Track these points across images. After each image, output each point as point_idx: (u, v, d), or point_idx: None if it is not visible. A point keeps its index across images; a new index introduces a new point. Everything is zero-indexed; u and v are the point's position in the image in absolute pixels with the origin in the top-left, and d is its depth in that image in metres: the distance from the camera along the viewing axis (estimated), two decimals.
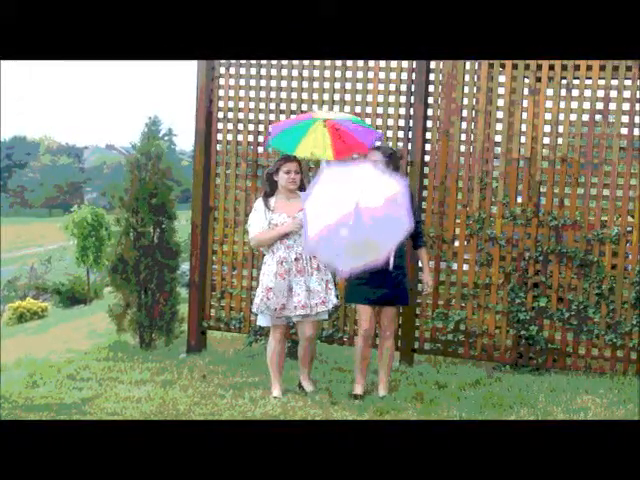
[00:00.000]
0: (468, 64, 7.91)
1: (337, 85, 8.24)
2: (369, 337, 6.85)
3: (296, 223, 6.66)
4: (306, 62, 8.29)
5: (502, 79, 7.87)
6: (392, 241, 6.02)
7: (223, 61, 8.51)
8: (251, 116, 8.52)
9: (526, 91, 7.82)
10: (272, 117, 8.44)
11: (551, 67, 7.67)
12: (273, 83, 8.43)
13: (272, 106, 8.45)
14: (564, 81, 7.69)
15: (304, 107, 8.33)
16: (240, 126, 8.56)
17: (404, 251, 6.86)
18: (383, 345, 6.95)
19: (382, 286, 6.67)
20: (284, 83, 8.40)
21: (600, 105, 7.61)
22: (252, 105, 8.52)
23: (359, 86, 8.18)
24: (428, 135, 8.04)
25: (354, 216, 5.66)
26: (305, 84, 8.34)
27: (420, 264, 7.46)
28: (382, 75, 8.11)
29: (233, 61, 8.49)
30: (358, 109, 8.18)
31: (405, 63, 8.03)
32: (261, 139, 8.50)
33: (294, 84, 8.37)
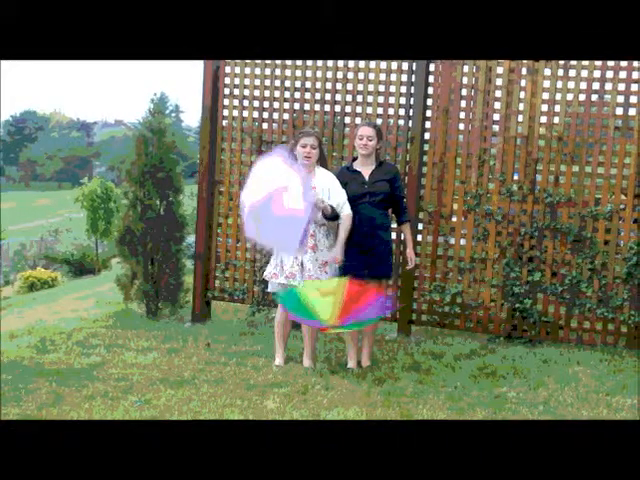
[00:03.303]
0: None
1: (340, 63, 8.21)
2: None
3: None
4: None
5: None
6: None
7: None
8: (256, 93, 8.51)
9: (524, 71, 7.80)
10: (277, 94, 8.42)
11: None
12: (278, 60, 8.40)
13: (277, 83, 8.43)
14: (561, 62, 7.66)
15: (307, 84, 8.32)
16: (245, 102, 8.55)
17: (390, 227, 6.95)
18: None
19: (367, 261, 6.70)
20: (288, 61, 8.37)
21: (596, 85, 7.59)
22: (257, 82, 8.50)
23: (362, 64, 8.16)
24: (428, 113, 8.04)
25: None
26: (309, 62, 8.31)
27: (402, 238, 7.53)
28: None
29: None
30: (360, 87, 8.16)
31: None
32: (265, 115, 8.50)
33: (298, 61, 8.34)
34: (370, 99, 8.14)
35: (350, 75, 8.19)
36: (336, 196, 6.65)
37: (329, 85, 8.25)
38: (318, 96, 8.29)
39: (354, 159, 6.94)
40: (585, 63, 7.58)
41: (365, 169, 6.80)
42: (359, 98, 8.17)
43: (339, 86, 8.22)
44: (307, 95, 8.33)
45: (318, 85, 8.29)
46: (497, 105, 7.88)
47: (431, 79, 8.00)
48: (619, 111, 7.56)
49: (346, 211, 6.64)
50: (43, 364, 6.91)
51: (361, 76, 8.17)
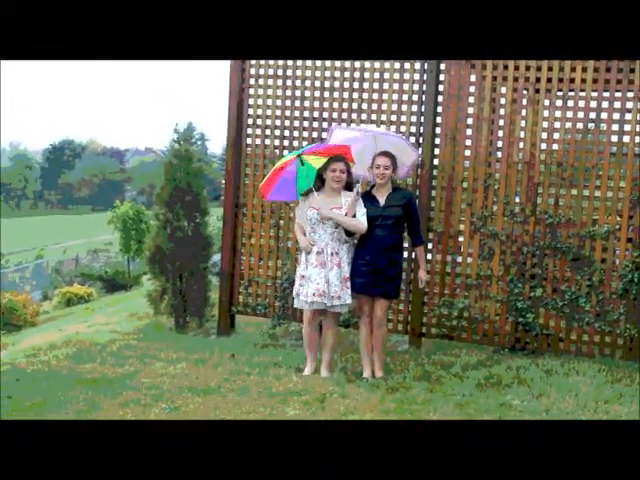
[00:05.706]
0: (473, 77, 7.90)
1: (355, 95, 8.25)
2: (368, 323, 6.84)
3: (307, 245, 6.72)
4: (327, 74, 8.31)
5: (504, 90, 7.86)
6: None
7: (252, 72, 8.56)
8: (277, 122, 8.56)
9: (525, 101, 7.80)
10: (296, 123, 8.47)
11: (548, 80, 7.65)
12: (297, 93, 8.46)
13: (296, 113, 8.48)
14: (560, 93, 7.67)
15: (325, 115, 8.36)
16: (267, 131, 8.60)
17: (401, 248, 6.94)
18: (377, 333, 6.85)
19: (377, 280, 6.67)
20: (307, 93, 8.43)
21: (592, 114, 7.59)
22: (278, 112, 8.55)
23: (375, 96, 8.20)
24: (437, 141, 8.05)
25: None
26: (327, 94, 8.36)
27: (414, 257, 7.52)
28: (396, 86, 8.13)
29: (262, 72, 8.53)
30: (374, 117, 8.19)
31: (417, 75, 8.04)
32: (286, 143, 8.54)
33: (317, 93, 8.40)
34: (383, 128, 8.15)
35: (364, 106, 8.23)
36: (359, 210, 6.67)
37: (345, 115, 8.28)
38: (334, 125, 8.31)
39: (372, 186, 6.92)
40: (582, 94, 7.58)
41: (381, 195, 6.78)
42: (373, 127, 8.19)
43: (354, 116, 8.26)
44: (324, 124, 8.37)
45: (335, 115, 8.33)
46: (500, 133, 7.89)
47: (439, 109, 8.02)
48: (614, 138, 7.54)
49: (363, 222, 6.64)
50: (80, 374, 6.93)
51: (374, 106, 8.21)
